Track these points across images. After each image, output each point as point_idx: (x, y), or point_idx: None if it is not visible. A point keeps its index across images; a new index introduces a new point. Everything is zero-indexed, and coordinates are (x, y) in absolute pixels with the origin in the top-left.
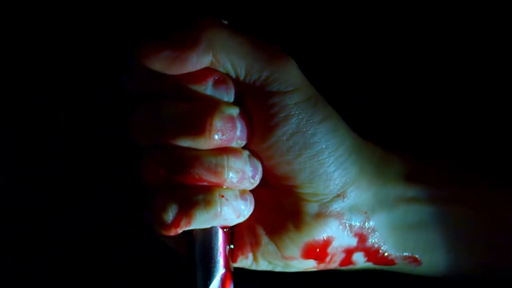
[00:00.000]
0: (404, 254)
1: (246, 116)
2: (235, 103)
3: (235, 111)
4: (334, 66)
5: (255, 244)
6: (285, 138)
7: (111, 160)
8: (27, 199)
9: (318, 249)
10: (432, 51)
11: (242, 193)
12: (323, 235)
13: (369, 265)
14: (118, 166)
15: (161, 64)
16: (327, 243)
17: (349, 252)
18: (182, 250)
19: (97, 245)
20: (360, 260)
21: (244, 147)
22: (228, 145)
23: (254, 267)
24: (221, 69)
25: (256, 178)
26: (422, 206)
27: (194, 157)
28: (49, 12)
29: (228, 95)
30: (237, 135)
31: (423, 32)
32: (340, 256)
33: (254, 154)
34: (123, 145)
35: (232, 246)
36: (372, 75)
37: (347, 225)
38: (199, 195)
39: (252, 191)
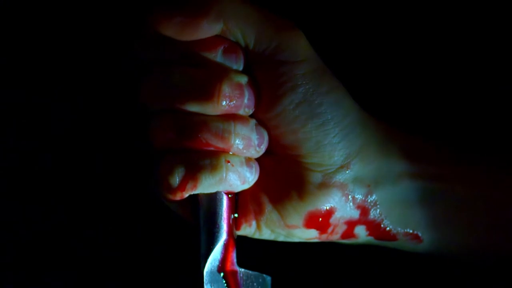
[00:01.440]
0: (406, 230)
1: (254, 85)
2: (244, 72)
3: (243, 79)
4: (341, 43)
5: (258, 212)
6: (291, 107)
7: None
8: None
9: (320, 219)
10: (433, 29)
11: (248, 160)
12: (326, 205)
13: (371, 239)
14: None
15: (173, 30)
16: (329, 213)
17: (351, 224)
18: (187, 217)
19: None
20: (362, 234)
21: (251, 116)
22: (236, 112)
23: (257, 236)
24: (231, 38)
25: (262, 147)
26: (424, 183)
27: (202, 122)
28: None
29: (237, 64)
30: (244, 103)
31: (427, 11)
32: (342, 228)
33: (261, 123)
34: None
35: (236, 215)
36: (376, 52)
37: (350, 196)
38: (205, 160)
39: (257, 160)
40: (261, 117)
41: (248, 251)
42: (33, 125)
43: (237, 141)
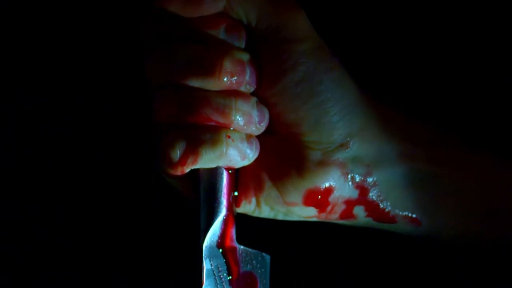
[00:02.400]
0: (404, 213)
1: (256, 63)
2: (246, 50)
3: (245, 56)
4: (343, 24)
5: (258, 189)
6: (292, 85)
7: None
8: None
9: (319, 196)
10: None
11: (249, 137)
12: (325, 183)
13: (370, 220)
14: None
15: (177, 6)
16: (328, 191)
17: (350, 204)
18: (188, 192)
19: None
20: (361, 214)
21: (253, 94)
22: (237, 89)
23: (256, 214)
24: (234, 16)
25: (262, 124)
26: (424, 166)
27: (203, 97)
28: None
29: (239, 41)
30: (246, 80)
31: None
32: (341, 207)
33: (262, 101)
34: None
35: (236, 193)
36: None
37: (349, 176)
38: (206, 134)
39: (258, 138)
40: (262, 95)
41: (247, 230)
42: (33, 125)
43: (238, 117)
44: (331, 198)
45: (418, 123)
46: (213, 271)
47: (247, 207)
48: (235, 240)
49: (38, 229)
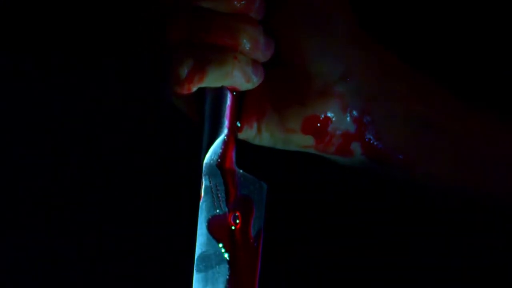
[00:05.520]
0: (399, 156)
1: None
2: None
3: None
4: None
5: (260, 114)
6: (298, 15)
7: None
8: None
9: (318, 124)
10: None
11: (254, 62)
12: (324, 113)
13: (364, 159)
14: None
15: None
16: (326, 121)
17: (347, 137)
18: (192, 114)
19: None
20: (357, 151)
21: (260, 24)
22: (246, 13)
23: (257, 141)
24: None
25: (267, 52)
26: (422, 112)
27: (214, 18)
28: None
29: None
30: (255, 6)
31: None
32: (338, 140)
33: (269, 31)
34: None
35: (238, 124)
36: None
37: (348, 109)
38: (214, 54)
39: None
40: (269, 25)
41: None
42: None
43: (244, 40)
44: (329, 129)
45: (418, 72)
46: (211, 188)
47: (248, 132)
48: (234, 163)
49: (39, 230)
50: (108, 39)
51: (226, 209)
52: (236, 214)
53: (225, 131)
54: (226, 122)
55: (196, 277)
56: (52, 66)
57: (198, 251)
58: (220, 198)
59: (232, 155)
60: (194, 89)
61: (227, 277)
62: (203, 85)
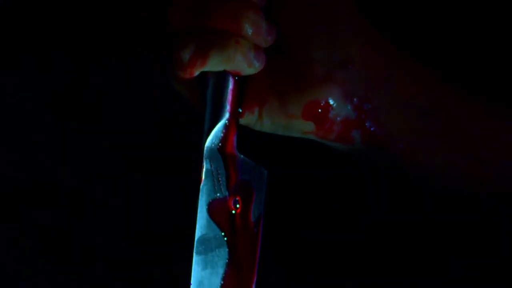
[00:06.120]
0: (399, 145)
1: None
2: None
3: None
4: None
5: (261, 100)
6: (301, 1)
7: None
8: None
9: (319, 110)
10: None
11: (256, 47)
12: (325, 99)
13: (363, 147)
14: None
15: None
16: (327, 107)
17: (347, 124)
18: (194, 100)
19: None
20: (356, 139)
21: (262, 10)
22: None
23: (258, 127)
24: None
25: (269, 38)
26: (422, 102)
27: (216, 3)
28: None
29: None
30: None
31: None
32: (338, 126)
33: (271, 17)
34: None
35: (240, 110)
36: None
37: (348, 95)
38: (216, 38)
39: (265, 53)
40: (272, 12)
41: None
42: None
43: (247, 25)
44: (330, 115)
45: (419, 63)
46: (212, 172)
47: (250, 118)
48: (235, 148)
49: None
50: (109, 38)
51: (227, 193)
52: (237, 199)
53: (227, 115)
54: (228, 107)
55: (195, 259)
56: (53, 64)
57: (198, 233)
58: (220, 182)
59: (233, 140)
60: (196, 73)
61: (227, 260)
62: (205, 69)
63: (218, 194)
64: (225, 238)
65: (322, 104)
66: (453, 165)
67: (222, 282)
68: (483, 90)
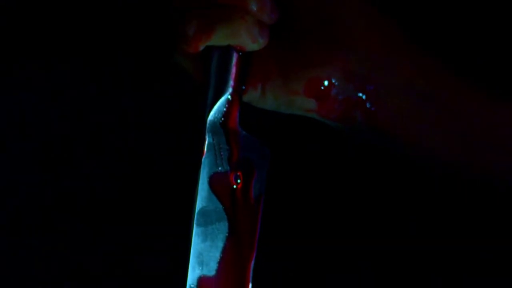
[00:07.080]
0: (399, 128)
1: None
2: None
3: None
4: None
5: (265, 77)
6: None
7: None
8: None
9: (322, 87)
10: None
11: (261, 23)
12: (327, 77)
13: (363, 128)
14: None
15: None
16: (329, 85)
17: (349, 103)
18: (198, 75)
19: None
20: (358, 119)
21: None
22: None
23: (261, 104)
24: None
25: (273, 16)
26: (423, 86)
27: None
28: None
29: None
30: None
31: None
32: (340, 105)
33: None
34: None
35: (243, 87)
36: None
37: (351, 76)
38: (221, 13)
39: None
40: None
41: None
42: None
43: (252, 1)
44: (332, 93)
45: (421, 47)
46: (214, 145)
47: (253, 94)
48: (238, 124)
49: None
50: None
51: (228, 168)
52: (238, 174)
53: (230, 90)
54: (231, 82)
55: (195, 230)
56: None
57: (198, 205)
58: (222, 157)
59: (236, 115)
60: (201, 47)
61: (227, 234)
62: (210, 43)
63: (219, 168)
64: (226, 212)
65: (324, 82)
66: (452, 149)
67: (221, 256)
68: (484, 77)
